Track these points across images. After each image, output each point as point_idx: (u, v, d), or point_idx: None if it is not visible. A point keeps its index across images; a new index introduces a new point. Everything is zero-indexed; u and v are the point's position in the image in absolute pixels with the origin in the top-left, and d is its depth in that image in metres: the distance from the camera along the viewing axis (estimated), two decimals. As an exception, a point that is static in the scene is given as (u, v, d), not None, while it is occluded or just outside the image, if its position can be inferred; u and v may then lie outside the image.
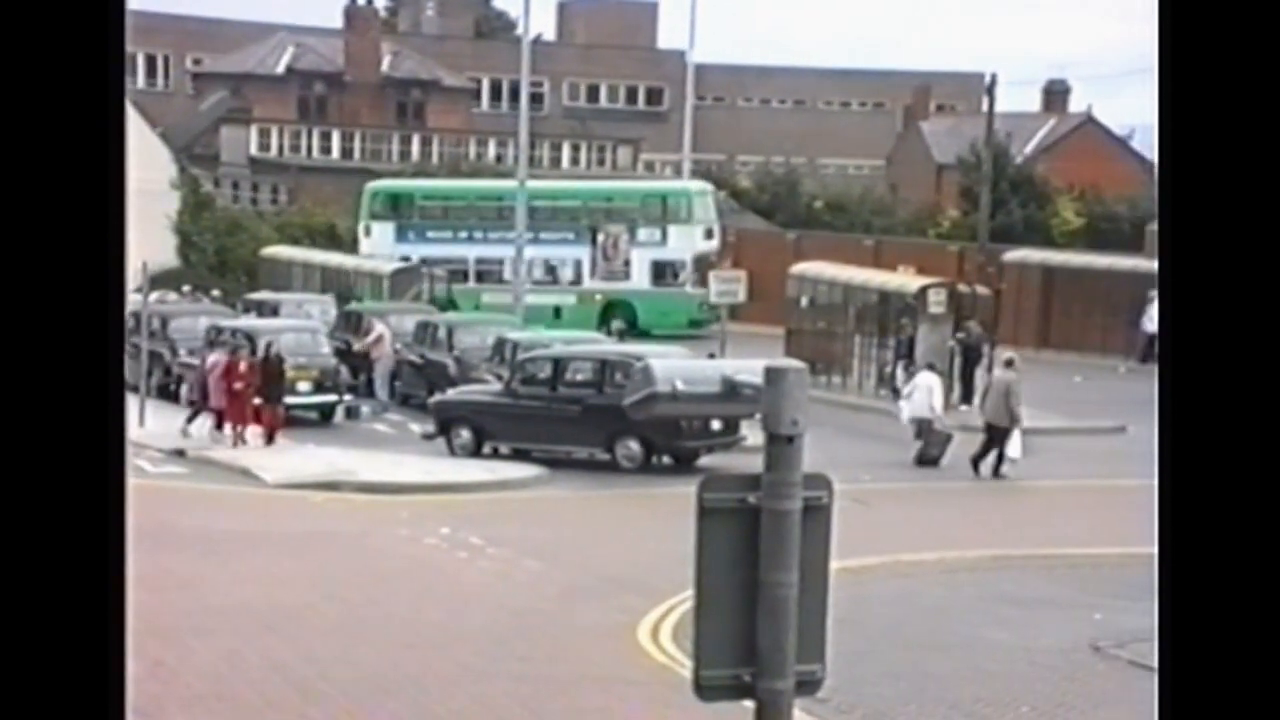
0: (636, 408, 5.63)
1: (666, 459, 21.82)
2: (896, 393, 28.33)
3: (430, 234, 40.05)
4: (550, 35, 68.52)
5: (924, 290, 28.22)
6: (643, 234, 38.95)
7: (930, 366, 24.14)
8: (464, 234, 39.96)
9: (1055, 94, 61.25)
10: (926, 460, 22.39)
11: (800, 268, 33.45)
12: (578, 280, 39.06)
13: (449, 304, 37.48)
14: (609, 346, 25.20)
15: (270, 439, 22.83)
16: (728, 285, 31.49)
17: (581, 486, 20.79)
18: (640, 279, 38.97)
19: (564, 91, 65.86)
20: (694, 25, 47.28)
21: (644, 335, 35.37)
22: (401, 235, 40.18)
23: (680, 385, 5.53)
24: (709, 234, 39.96)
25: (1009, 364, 22.33)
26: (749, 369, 5.29)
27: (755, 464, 5.06)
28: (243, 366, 22.98)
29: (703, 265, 37.45)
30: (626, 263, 39.15)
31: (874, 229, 46.77)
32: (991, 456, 21.33)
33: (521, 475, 21.20)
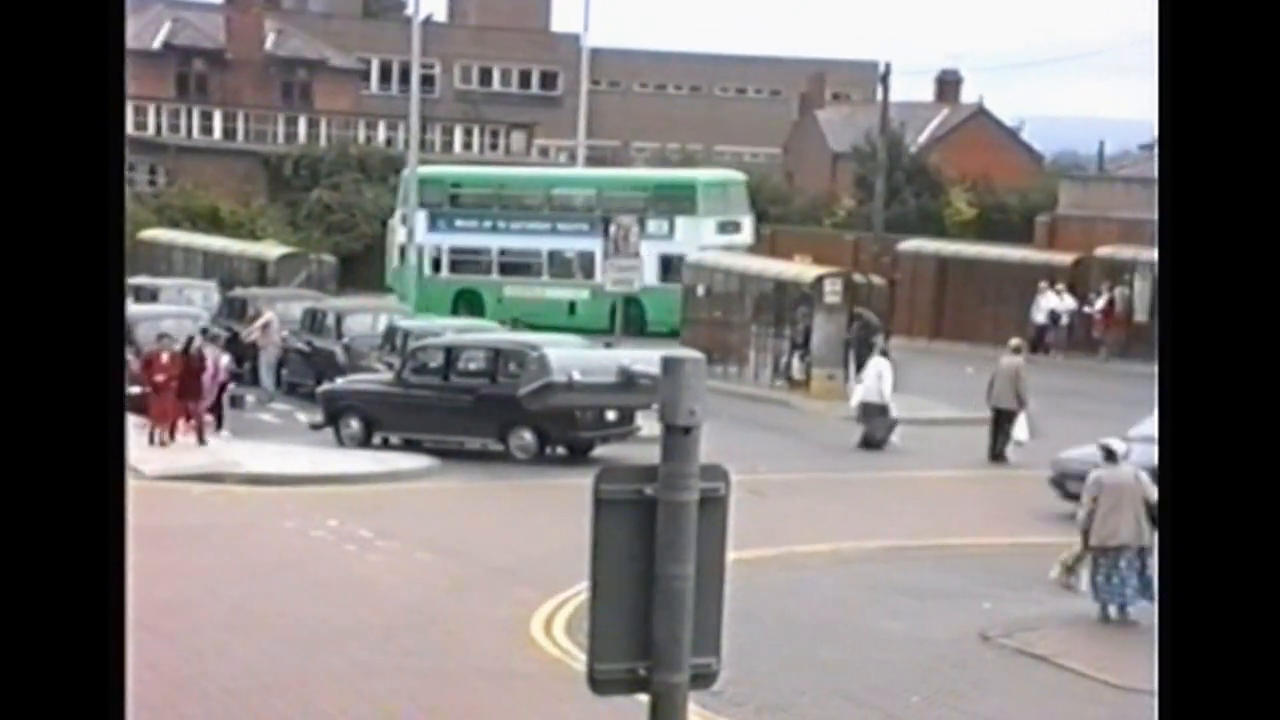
0: (532, 398, 5.50)
1: (561, 450, 21.58)
2: (792, 382, 28.46)
3: (459, 223, 39.08)
4: (441, 16, 67.84)
5: (820, 280, 28.32)
6: (651, 226, 36.30)
7: (883, 353, 24.60)
8: (489, 224, 38.82)
9: (948, 84, 61.99)
10: (872, 443, 22.94)
11: (696, 257, 33.42)
12: (591, 274, 36.82)
13: (472, 301, 36.81)
14: (503, 335, 24.89)
15: (201, 438, 21.49)
16: (624, 274, 31.33)
17: (474, 477, 20.51)
18: (649, 274, 35.79)
19: (456, 74, 65.21)
20: (588, 9, 47.02)
21: (648, 334, 34.30)
22: (433, 224, 38.89)
23: (576, 375, 5.42)
24: (727, 227, 37.58)
25: (1016, 350, 22.95)
26: (646, 359, 5.20)
27: (651, 455, 4.97)
28: (164, 358, 21.38)
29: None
30: (636, 256, 37.87)
31: (770, 218, 46.90)
32: (999, 438, 21.88)
33: (413, 466, 20.85)
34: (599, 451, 21.28)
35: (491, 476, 20.50)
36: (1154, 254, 33.72)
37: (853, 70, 64.93)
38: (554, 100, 64.39)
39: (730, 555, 5.13)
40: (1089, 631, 13.16)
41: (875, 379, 23.31)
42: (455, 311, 37.23)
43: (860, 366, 27.78)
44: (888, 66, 48.91)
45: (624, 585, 4.90)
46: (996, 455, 22.02)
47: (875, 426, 23.06)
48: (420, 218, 38.65)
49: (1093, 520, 13.31)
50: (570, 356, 5.58)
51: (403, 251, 38.63)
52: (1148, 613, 13.23)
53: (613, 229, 36.18)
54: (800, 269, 30.63)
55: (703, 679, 5.03)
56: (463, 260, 38.74)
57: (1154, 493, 13.16)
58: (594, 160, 49.71)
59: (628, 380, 4.78)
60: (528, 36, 66.35)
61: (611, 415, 20.92)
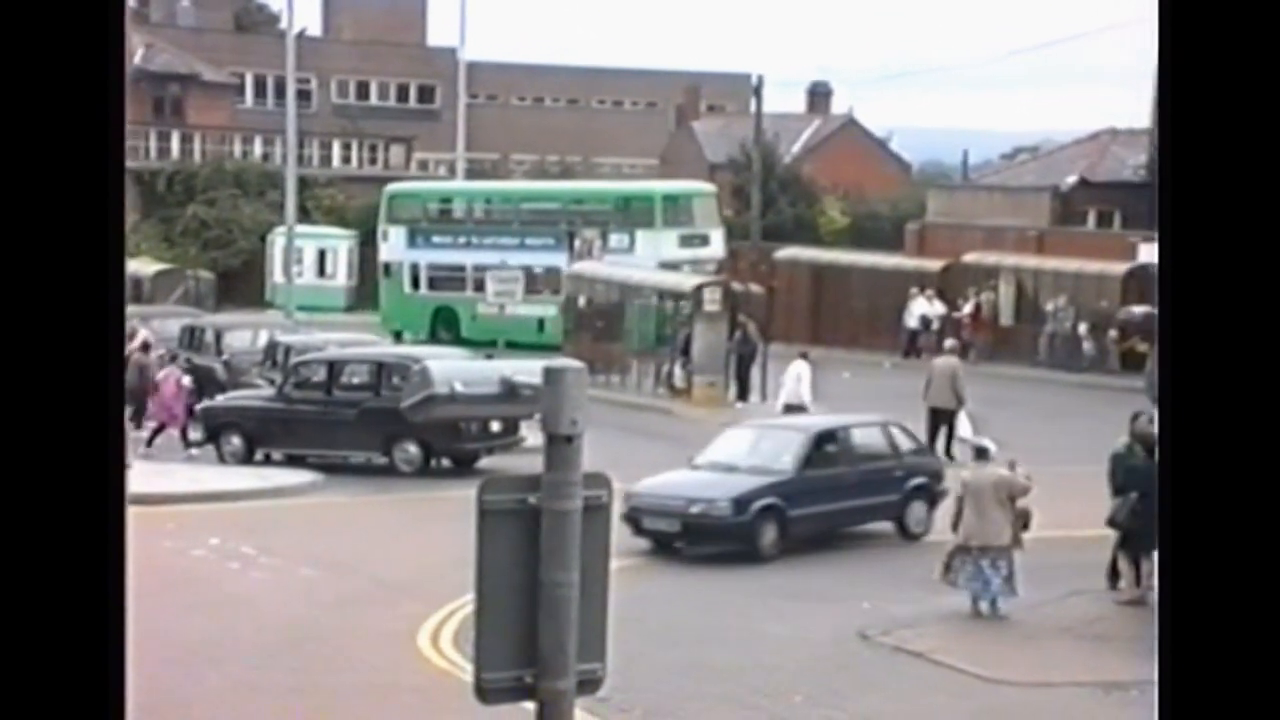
0: (414, 410, 5.52)
1: (446, 461, 21.57)
2: (674, 390, 28.71)
3: (435, 239, 38.03)
4: (316, 30, 67.19)
5: (699, 289, 28.62)
6: (613, 240, 35.70)
7: (803, 355, 25.02)
8: (463, 240, 37.77)
9: (819, 96, 63.05)
10: None
11: (577, 267, 33.55)
12: (558, 290, 35.11)
13: (449, 319, 35.77)
14: (385, 349, 24.79)
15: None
16: (505, 285, 31.38)
17: (358, 491, 20.40)
18: None
19: (333, 89, 64.63)
20: (464, 22, 47.07)
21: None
22: (412, 241, 38.14)
23: (459, 386, 5.44)
24: (692, 240, 36.14)
25: (952, 350, 23.55)
26: (527, 369, 5.24)
27: (536, 465, 5.04)
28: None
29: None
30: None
31: (649, 228, 47.20)
32: (942, 438, 22.15)
33: (296, 482, 20.67)
34: (484, 462, 21.32)
35: (376, 490, 20.41)
36: (1017, 259, 34.71)
37: (727, 82, 65.66)
38: (432, 114, 64.13)
39: (615, 562, 5.24)
40: (962, 627, 13.53)
41: (795, 381, 23.82)
42: (433, 330, 36.45)
43: (742, 374, 28.14)
44: (760, 79, 49.46)
45: (509, 594, 4.92)
46: (946, 453, 22.16)
47: None
48: (397, 234, 38.19)
49: (959, 519, 13.70)
50: (452, 368, 5.58)
51: (387, 268, 38.34)
52: (1017, 607, 13.66)
53: (577, 243, 35.59)
54: (680, 278, 30.91)
55: (589, 685, 5.05)
56: (440, 277, 37.55)
57: (1020, 491, 13.57)
58: (474, 174, 49.50)
59: (510, 390, 4.86)
60: (405, 51, 66.01)
61: (496, 426, 20.98)
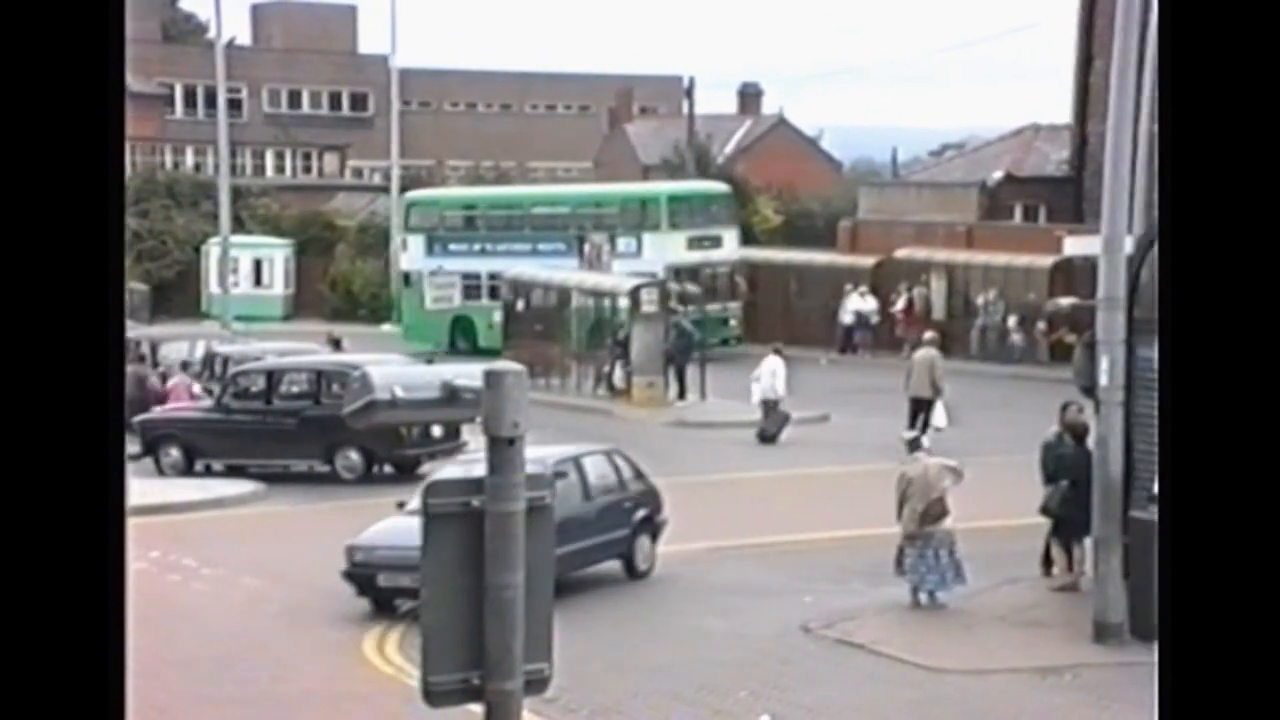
0: (355, 416, 5.58)
1: (388, 468, 21.56)
2: (614, 391, 28.83)
3: (453, 246, 36.84)
4: (245, 39, 66.67)
5: (637, 290, 28.76)
6: (621, 244, 34.46)
7: (776, 351, 25.35)
8: (478, 247, 36.56)
9: (749, 96, 63.48)
10: (765, 438, 23.81)
11: (515, 270, 33.58)
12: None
13: (466, 328, 34.77)
14: (325, 357, 24.72)
15: None
16: (443, 290, 31.37)
17: (300, 500, 20.35)
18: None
19: (264, 98, 64.20)
20: (395, 29, 46.80)
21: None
22: (430, 248, 37.02)
23: (399, 392, 5.48)
24: (703, 242, 34.95)
25: (930, 342, 23.89)
26: (468, 373, 5.29)
27: (479, 469, 5.10)
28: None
29: (698, 280, 33.83)
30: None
31: (585, 231, 47.28)
32: (917, 426, 22.23)
33: (237, 492, 20.60)
34: (427, 468, 21.33)
35: (318, 498, 20.37)
36: (948, 254, 35.11)
37: (658, 85, 65.93)
38: (366, 121, 63.87)
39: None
40: (902, 618, 13.74)
41: (770, 376, 24.25)
42: (452, 340, 35.05)
43: (680, 374, 28.31)
44: (692, 80, 49.87)
45: (454, 597, 4.95)
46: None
47: (769, 422, 24.04)
48: (415, 243, 37.28)
49: (903, 511, 13.93)
50: (392, 374, 5.57)
51: (406, 278, 37.46)
52: (955, 597, 13.90)
53: (587, 248, 34.46)
54: (617, 279, 31.02)
55: (536, 685, 5.10)
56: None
57: (939, 484, 13.78)
58: (410, 180, 49.31)
59: (451, 395, 4.90)
60: (336, 59, 65.68)
61: (437, 431, 21.00)
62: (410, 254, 37.27)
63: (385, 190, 48.49)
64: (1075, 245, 30.63)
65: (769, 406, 24.23)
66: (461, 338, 35.55)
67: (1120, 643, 12.34)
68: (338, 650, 13.01)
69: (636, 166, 57.49)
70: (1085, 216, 33.35)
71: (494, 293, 34.96)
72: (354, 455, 21.14)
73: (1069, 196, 36.40)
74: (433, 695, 5.01)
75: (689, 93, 48.28)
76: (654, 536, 15.92)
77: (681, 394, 28.19)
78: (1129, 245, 13.65)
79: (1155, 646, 12.64)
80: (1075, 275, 30.29)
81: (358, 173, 58.65)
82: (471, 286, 35.98)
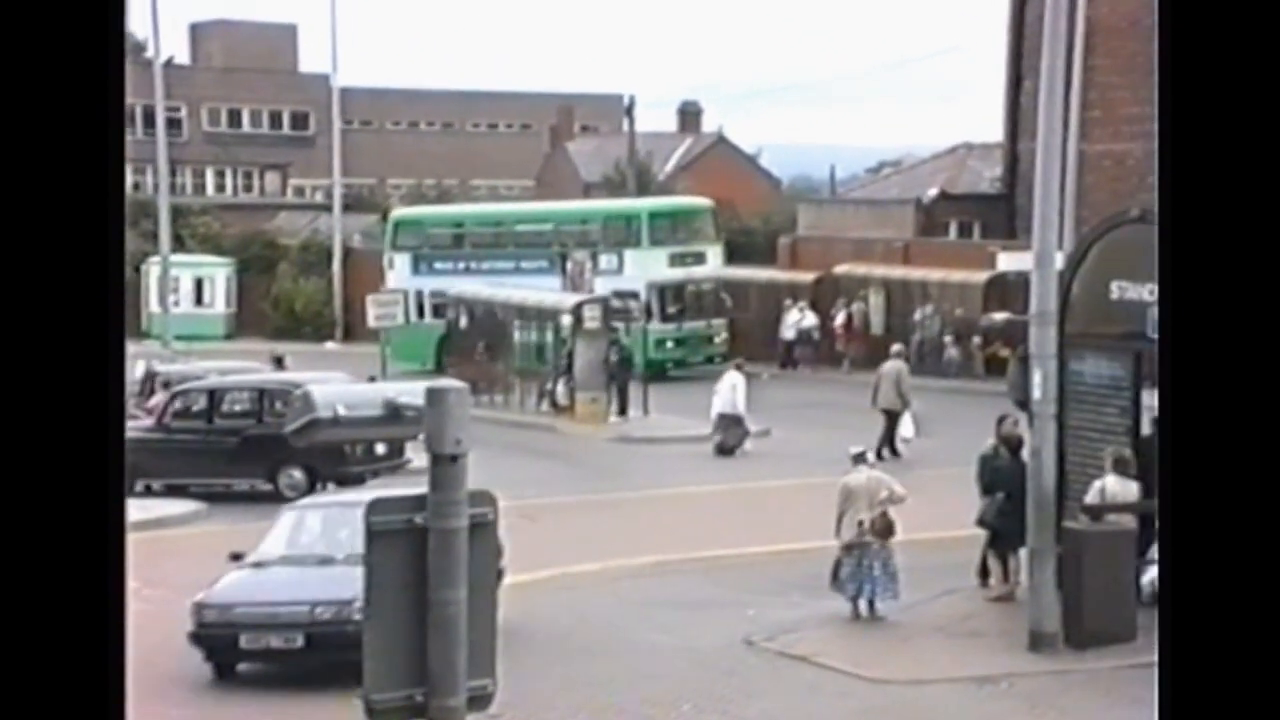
0: (298, 435, 5.61)
1: (331, 486, 21.51)
2: (557, 407, 28.90)
3: (438, 265, 35.98)
4: (184, 58, 66.26)
5: (579, 306, 28.87)
6: (603, 261, 33.87)
7: (737, 366, 25.62)
8: (462, 265, 35.72)
9: (689, 114, 63.98)
10: (724, 450, 24.15)
11: (457, 288, 33.59)
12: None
13: (440, 345, 33.41)
14: (267, 375, 24.65)
15: None
16: (386, 309, 31.30)
17: (242, 519, 20.21)
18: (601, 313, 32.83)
19: (203, 116, 63.80)
20: (335, 48, 46.84)
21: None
22: (416, 267, 36.22)
23: (341, 410, 5.52)
24: (685, 259, 34.21)
25: (898, 355, 24.39)
26: (410, 390, 5.35)
27: (423, 486, 5.12)
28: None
29: (681, 297, 33.42)
30: (591, 293, 33.28)
31: (528, 248, 47.36)
32: (891, 437, 22.94)
33: (178, 512, 20.49)
34: (370, 485, 21.29)
35: (261, 517, 20.15)
36: (885, 270, 35.48)
37: (599, 103, 66.22)
38: (307, 140, 63.65)
39: (505, 579, 5.34)
40: (843, 630, 13.91)
41: (730, 390, 24.45)
42: (439, 361, 33.43)
43: (621, 390, 28.44)
44: (632, 99, 50.12)
45: (398, 613, 4.98)
46: (893, 452, 22.94)
47: (728, 436, 24.31)
48: (402, 261, 36.52)
49: (841, 523, 14.12)
50: (334, 392, 5.53)
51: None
52: (894, 608, 14.10)
53: (569, 266, 33.79)
54: (559, 296, 31.12)
55: (479, 700, 5.13)
56: (443, 304, 34.67)
57: (883, 493, 13.99)
58: (351, 199, 49.20)
59: (394, 412, 4.94)
60: (276, 78, 65.41)
61: (381, 448, 20.99)
62: (397, 272, 36.53)
63: (327, 209, 48.33)
64: (1008, 261, 31.08)
65: (728, 421, 24.46)
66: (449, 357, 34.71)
67: (1054, 651, 12.57)
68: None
69: (578, 184, 57.68)
70: (1018, 233, 33.84)
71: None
72: (297, 474, 21.10)
73: (1002, 213, 36.92)
74: (375, 712, 5.02)
75: (629, 111, 48.50)
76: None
77: (622, 410, 28.31)
78: (1060, 261, 13.93)
79: (1090, 655, 12.81)
80: (1009, 290, 30.70)
81: (299, 191, 58.43)
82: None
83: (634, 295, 32.53)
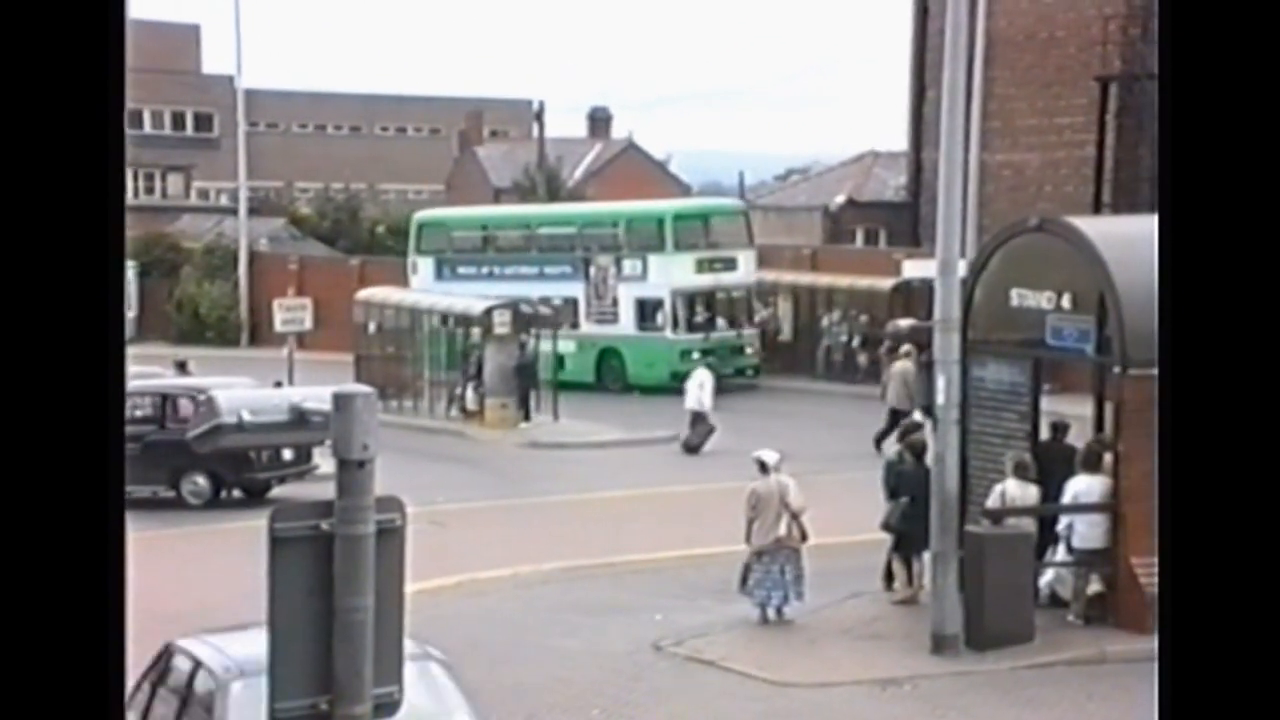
0: (202, 440, 5.58)
1: (237, 492, 21.27)
2: (466, 413, 28.79)
3: (461, 269, 34.32)
4: (86, 57, 65.15)
5: (489, 311, 28.81)
6: (626, 267, 32.26)
7: (708, 365, 26.02)
8: (486, 270, 34.06)
9: (599, 120, 64.18)
10: (689, 447, 24.42)
11: (366, 293, 33.36)
12: (576, 323, 32.36)
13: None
14: (170, 380, 24.30)
15: None
16: (293, 314, 30.99)
17: (143, 527, 19.81)
18: (627, 321, 32.05)
19: (105, 116, 62.72)
20: (240, 50, 46.20)
21: (631, 388, 31.12)
22: (439, 272, 34.55)
23: (247, 415, 5.48)
24: (714, 265, 32.19)
25: (908, 355, 24.71)
26: (317, 396, 5.31)
27: (328, 492, 5.08)
28: None
29: (709, 305, 31.90)
30: (615, 301, 32.37)
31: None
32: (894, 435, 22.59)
33: (77, 521, 20.12)
34: (277, 491, 21.08)
35: (163, 524, 19.97)
36: (794, 277, 35.79)
37: (508, 108, 66.16)
38: (211, 142, 62.84)
39: (413, 586, 5.30)
40: (750, 634, 14.01)
41: (697, 389, 24.84)
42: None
43: (524, 396, 28.39)
44: (542, 104, 50.15)
45: (303, 621, 4.95)
46: (879, 447, 22.88)
47: (693, 434, 24.66)
48: (425, 266, 34.80)
49: (751, 528, 14.23)
50: (240, 397, 5.41)
51: None
52: (801, 612, 14.24)
53: (593, 271, 32.34)
54: (469, 301, 31.03)
55: (386, 708, 5.11)
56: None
57: (795, 498, 14.15)
58: (258, 202, 48.59)
59: (300, 418, 4.91)
60: (179, 78, 64.49)
61: (288, 454, 20.79)
62: (420, 277, 34.77)
63: (233, 212, 47.74)
64: (913, 268, 31.52)
65: (695, 418, 24.88)
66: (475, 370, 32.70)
67: (956, 653, 12.77)
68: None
69: (488, 189, 57.53)
70: (922, 240, 34.35)
71: None
72: (201, 480, 20.83)
73: (907, 221, 37.46)
74: (279, 722, 4.96)
75: (539, 116, 48.55)
76: None
77: (527, 415, 28.29)
78: (963, 269, 14.17)
79: (990, 656, 12.96)
80: (913, 297, 31.14)
81: (204, 194, 57.64)
82: None
83: (658, 303, 31.52)
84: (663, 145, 69.79)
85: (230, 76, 49.57)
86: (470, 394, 29.02)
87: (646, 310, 31.68)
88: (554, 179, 50.22)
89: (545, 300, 32.05)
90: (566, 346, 31.68)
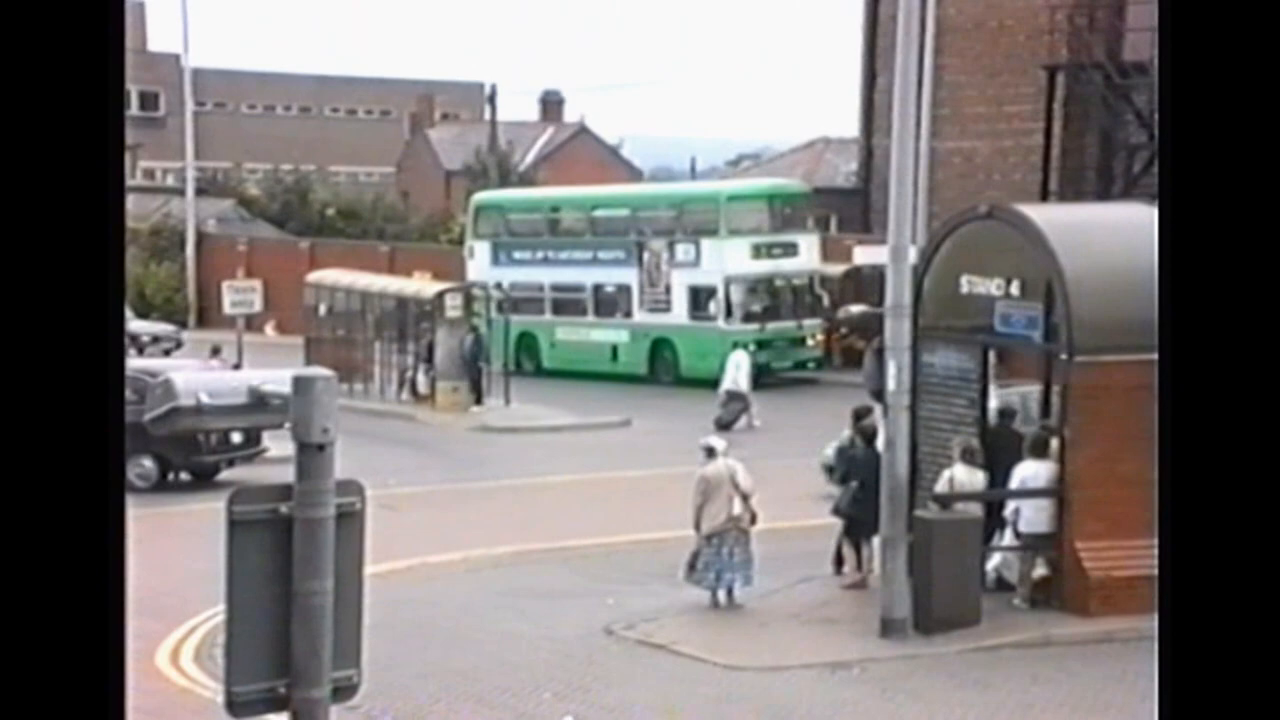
0: (159, 423, 5.51)
1: (185, 475, 21.13)
2: (417, 396, 28.74)
3: (517, 254, 32.79)
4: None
5: (440, 295, 28.76)
6: (679, 252, 30.48)
7: (744, 346, 26.62)
8: (540, 255, 32.64)
9: (551, 104, 64.06)
10: (722, 425, 24.57)
11: (316, 276, 33.23)
12: (630, 312, 31.09)
13: (531, 347, 31.38)
14: (126, 362, 24.09)
15: None
16: (243, 295, 30.78)
17: (90, 511, 19.80)
18: (679, 310, 30.36)
19: (49, 94, 61.90)
20: (187, 28, 45.92)
21: (683, 381, 29.67)
22: (495, 258, 32.97)
23: (204, 398, 5.43)
24: (772, 250, 30.29)
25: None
26: (276, 379, 5.29)
27: (278, 475, 5.11)
28: None
29: (769, 293, 30.24)
30: (668, 289, 30.61)
31: (387, 235, 46.99)
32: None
33: (22, 503, 19.94)
34: (225, 475, 20.96)
35: (109, 510, 19.87)
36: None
37: (460, 91, 65.88)
38: (157, 121, 62.15)
39: (366, 569, 5.27)
40: (701, 618, 14.09)
41: (734, 369, 25.59)
42: (518, 362, 30.87)
43: (475, 379, 28.37)
44: (494, 87, 50.03)
45: (261, 605, 4.93)
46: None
47: (729, 410, 25.23)
48: (482, 250, 33.12)
49: (702, 513, 14.30)
50: (197, 379, 5.39)
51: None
52: (751, 596, 14.34)
53: (646, 257, 30.69)
54: (420, 285, 30.94)
55: (344, 692, 5.10)
56: (522, 299, 31.85)
57: (744, 479, 14.23)
58: (205, 182, 48.12)
59: (259, 400, 4.87)
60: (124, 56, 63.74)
61: (237, 438, 20.67)
62: (477, 263, 33.21)
63: (180, 192, 47.29)
64: (864, 254, 31.67)
65: (730, 397, 25.44)
66: (526, 357, 31.86)
67: (904, 637, 12.92)
68: (127, 664, 12.74)
69: (440, 172, 57.29)
70: (873, 227, 34.54)
71: (557, 307, 32.07)
72: (147, 463, 20.67)
73: (858, 207, 37.65)
74: (235, 705, 4.96)
75: (491, 99, 48.42)
76: None
77: (478, 399, 28.28)
78: (913, 255, 14.29)
79: (937, 639, 13.08)
80: (864, 283, 31.29)
81: (150, 174, 56.99)
82: (533, 300, 32.17)
83: (711, 291, 29.76)
84: (615, 130, 69.98)
85: (177, 55, 49.09)
86: (421, 377, 28.97)
87: (700, 298, 29.92)
88: (505, 162, 50.10)
89: (599, 287, 31.30)
90: (619, 336, 30.85)
